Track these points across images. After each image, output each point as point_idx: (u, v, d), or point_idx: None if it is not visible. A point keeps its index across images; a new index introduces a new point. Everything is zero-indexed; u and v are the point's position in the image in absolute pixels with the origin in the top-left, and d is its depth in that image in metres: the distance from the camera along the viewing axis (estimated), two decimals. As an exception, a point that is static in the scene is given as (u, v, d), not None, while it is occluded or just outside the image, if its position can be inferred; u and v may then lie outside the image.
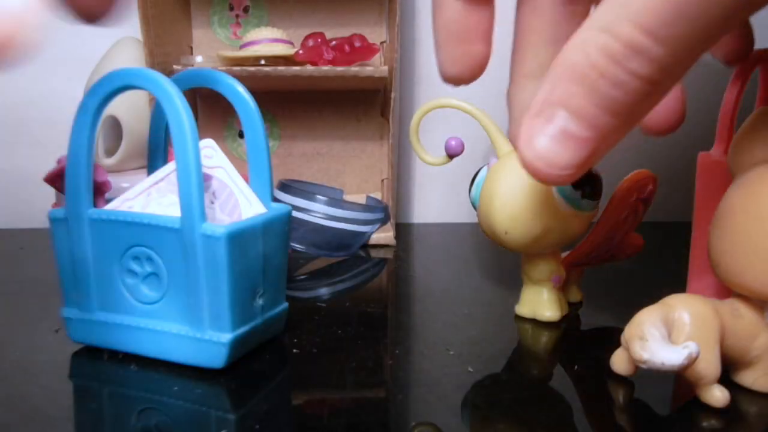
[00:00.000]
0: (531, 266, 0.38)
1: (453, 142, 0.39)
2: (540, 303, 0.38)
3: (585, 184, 0.34)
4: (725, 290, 0.31)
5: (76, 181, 0.31)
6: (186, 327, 0.31)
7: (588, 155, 0.25)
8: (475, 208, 0.38)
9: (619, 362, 0.31)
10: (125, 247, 0.31)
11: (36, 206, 0.63)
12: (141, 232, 0.30)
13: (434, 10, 0.33)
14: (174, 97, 0.28)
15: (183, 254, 0.30)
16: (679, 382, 0.31)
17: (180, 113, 0.28)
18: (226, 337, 0.30)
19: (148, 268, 0.31)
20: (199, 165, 0.29)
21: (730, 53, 0.36)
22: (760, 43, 0.39)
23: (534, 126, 0.25)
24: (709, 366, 0.27)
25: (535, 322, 0.38)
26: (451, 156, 0.39)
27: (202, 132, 0.65)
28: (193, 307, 0.30)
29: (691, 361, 0.27)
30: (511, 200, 0.35)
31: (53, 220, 0.32)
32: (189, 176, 0.29)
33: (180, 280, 0.30)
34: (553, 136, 0.25)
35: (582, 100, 0.24)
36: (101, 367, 0.32)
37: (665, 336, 0.28)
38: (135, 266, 0.31)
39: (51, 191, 0.54)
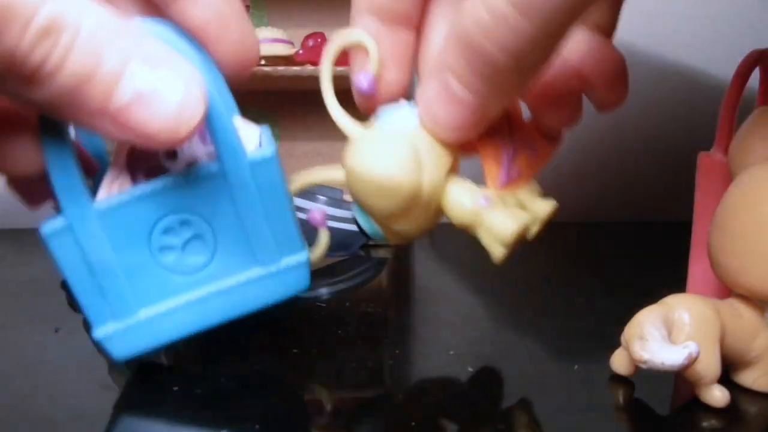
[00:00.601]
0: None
1: (316, 215, 0.33)
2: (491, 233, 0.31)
3: None
4: (725, 290, 0.31)
5: (66, 177, 0.26)
6: (256, 269, 0.29)
7: (470, 118, 0.27)
8: None
9: (619, 362, 0.31)
10: (151, 225, 0.27)
11: (36, 206, 0.63)
12: (167, 199, 0.27)
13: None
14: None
15: (230, 197, 0.27)
16: (679, 382, 0.31)
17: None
18: (303, 255, 0.29)
19: (186, 234, 0.28)
20: (229, 105, 0.27)
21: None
22: (760, 43, 0.39)
23: (429, 86, 0.28)
24: (709, 366, 0.27)
25: (535, 323, 0.38)
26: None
27: (202, 132, 0.65)
28: (258, 244, 0.28)
29: (691, 361, 0.27)
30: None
31: (50, 235, 0.27)
32: (220, 116, 0.26)
33: (231, 227, 0.28)
34: (441, 96, 0.27)
35: (464, 68, 0.26)
36: (100, 372, 0.32)
37: (665, 336, 0.28)
38: (169, 240, 0.28)
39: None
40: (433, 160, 0.29)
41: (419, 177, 0.29)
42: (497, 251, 0.31)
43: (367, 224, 0.32)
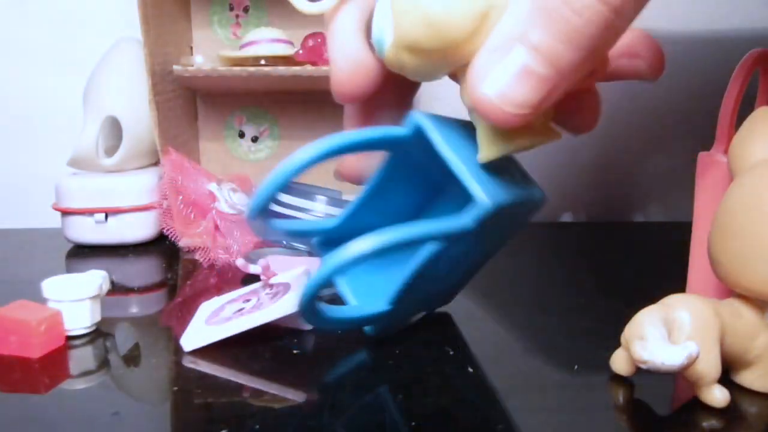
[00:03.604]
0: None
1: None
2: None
3: None
4: (725, 290, 0.31)
5: None
6: None
7: (546, 94, 0.24)
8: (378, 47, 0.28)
9: (619, 362, 0.31)
10: None
11: (36, 206, 0.63)
12: None
13: (331, 40, 0.29)
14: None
15: None
16: (679, 382, 0.31)
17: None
18: None
19: None
20: None
21: (579, 126, 0.32)
22: (760, 43, 0.39)
23: (490, 61, 0.24)
24: (709, 366, 0.27)
25: (535, 323, 0.38)
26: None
27: (203, 132, 0.65)
28: None
29: (691, 361, 0.27)
30: None
31: None
32: None
33: None
34: (513, 73, 0.23)
35: (544, 34, 0.23)
36: (101, 372, 0.32)
37: (665, 336, 0.28)
38: None
39: (51, 191, 0.54)
40: None
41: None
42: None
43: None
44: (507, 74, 0.24)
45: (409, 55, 0.26)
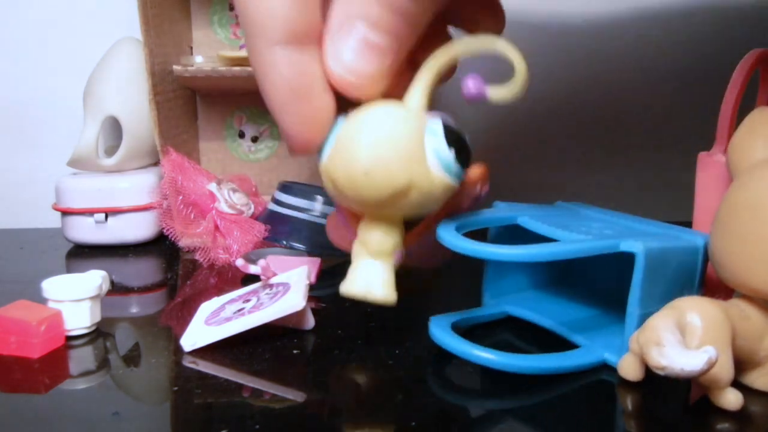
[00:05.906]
0: (373, 234, 0.32)
1: (471, 83, 0.28)
2: (375, 280, 0.33)
3: (459, 147, 0.29)
4: (725, 290, 0.31)
5: None
6: None
7: (389, 62, 0.27)
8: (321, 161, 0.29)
9: (628, 368, 0.30)
10: None
11: (36, 206, 0.63)
12: None
13: (265, 70, 0.29)
14: None
15: None
16: (686, 384, 0.30)
17: None
18: None
19: None
20: None
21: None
22: (760, 43, 0.39)
23: (337, 40, 0.26)
24: (723, 369, 0.27)
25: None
26: (469, 100, 0.30)
27: (203, 132, 0.65)
28: None
29: (711, 366, 0.26)
30: (381, 135, 0.27)
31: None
32: None
33: None
34: (359, 49, 0.26)
35: (378, 12, 0.25)
36: (100, 373, 0.32)
37: (681, 341, 0.27)
38: None
39: (51, 191, 0.54)
40: None
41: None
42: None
43: None
44: (356, 53, 0.26)
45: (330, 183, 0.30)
